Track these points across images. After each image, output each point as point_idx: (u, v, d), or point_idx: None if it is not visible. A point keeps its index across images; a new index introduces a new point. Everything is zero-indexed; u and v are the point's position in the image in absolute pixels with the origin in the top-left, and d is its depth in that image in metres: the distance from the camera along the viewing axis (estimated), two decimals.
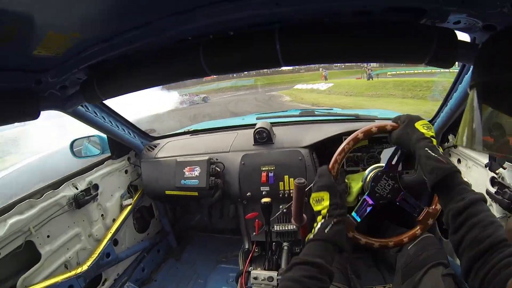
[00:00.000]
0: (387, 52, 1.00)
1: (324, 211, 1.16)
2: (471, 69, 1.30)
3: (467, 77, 1.43)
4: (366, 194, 1.43)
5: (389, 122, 1.30)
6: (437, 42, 0.94)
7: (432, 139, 1.13)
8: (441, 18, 0.93)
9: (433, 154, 1.07)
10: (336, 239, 1.09)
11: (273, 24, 1.01)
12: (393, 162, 1.38)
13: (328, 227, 1.10)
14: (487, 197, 1.42)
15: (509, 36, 0.62)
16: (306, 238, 1.16)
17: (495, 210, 1.46)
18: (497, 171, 1.46)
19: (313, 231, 1.14)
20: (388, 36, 0.97)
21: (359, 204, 1.42)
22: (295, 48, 1.02)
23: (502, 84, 0.58)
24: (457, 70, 1.57)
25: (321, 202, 1.19)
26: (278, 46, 1.00)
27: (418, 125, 1.18)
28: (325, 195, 1.19)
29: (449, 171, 1.02)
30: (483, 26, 0.91)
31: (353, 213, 1.40)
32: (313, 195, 1.23)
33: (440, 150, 1.11)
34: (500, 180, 1.45)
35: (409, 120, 1.21)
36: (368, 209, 1.41)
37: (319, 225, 1.14)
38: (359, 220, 1.40)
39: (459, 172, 1.04)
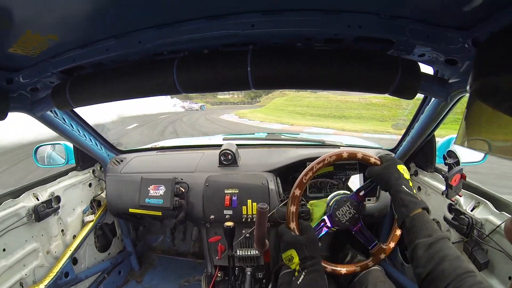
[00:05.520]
0: (355, 80, 1.08)
1: (297, 268, 1.28)
2: (431, 101, 1.47)
3: (428, 108, 1.57)
4: (326, 214, 1.52)
5: (374, 156, 1.44)
6: (401, 73, 1.04)
7: (409, 181, 1.31)
8: (407, 50, 1.05)
9: (409, 191, 1.24)
10: None
11: (247, 46, 1.09)
12: (361, 193, 1.50)
13: (300, 279, 1.22)
14: (444, 223, 1.61)
15: (508, 36, 0.64)
16: None
17: (453, 235, 1.61)
18: (453, 198, 1.61)
19: None
20: (356, 64, 1.06)
21: (317, 223, 1.50)
22: (266, 71, 1.08)
23: (502, 84, 0.60)
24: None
25: (292, 260, 1.31)
26: (249, 68, 1.06)
27: (400, 167, 1.35)
28: (293, 253, 1.31)
29: (422, 206, 1.18)
30: (445, 60, 1.03)
31: None
32: (283, 255, 1.34)
33: (415, 191, 1.27)
34: (457, 206, 1.60)
35: (393, 161, 1.38)
36: (324, 230, 1.49)
37: (293, 280, 1.26)
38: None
39: (428, 210, 1.21)
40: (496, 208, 1.41)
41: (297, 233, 1.38)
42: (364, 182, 1.55)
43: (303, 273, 1.23)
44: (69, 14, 0.86)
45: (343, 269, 1.52)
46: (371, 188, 1.49)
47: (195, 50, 1.14)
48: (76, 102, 1.33)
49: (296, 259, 1.29)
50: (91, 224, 2.38)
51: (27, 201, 1.86)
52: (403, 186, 1.26)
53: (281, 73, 1.08)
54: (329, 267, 1.50)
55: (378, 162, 1.42)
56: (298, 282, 1.21)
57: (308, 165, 1.52)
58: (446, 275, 0.96)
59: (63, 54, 1.14)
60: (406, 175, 1.33)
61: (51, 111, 1.71)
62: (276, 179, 2.25)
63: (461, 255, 1.03)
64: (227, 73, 1.10)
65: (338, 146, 2.63)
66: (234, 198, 2.13)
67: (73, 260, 2.23)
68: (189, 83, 1.15)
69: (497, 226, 1.34)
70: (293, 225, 1.39)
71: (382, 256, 1.48)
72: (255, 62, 1.07)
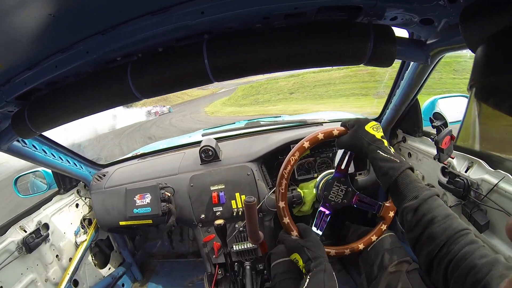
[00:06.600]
0: (325, 55, 1.00)
1: (304, 270, 1.33)
2: (410, 65, 1.44)
3: (407, 73, 1.54)
4: (320, 204, 1.54)
5: (336, 127, 1.39)
6: (374, 40, 0.96)
7: (383, 139, 1.25)
8: (377, 15, 0.97)
9: (386, 155, 1.19)
10: None
11: (202, 36, 1.00)
12: (342, 167, 1.49)
13: (306, 283, 1.22)
14: (440, 188, 1.59)
15: (510, 34, 0.62)
16: None
17: (449, 199, 1.59)
18: (446, 162, 1.59)
19: None
20: (325, 37, 0.97)
21: (316, 217, 1.52)
22: (224, 61, 1.00)
23: (503, 84, 0.58)
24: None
25: (298, 263, 1.36)
26: (206, 60, 0.98)
27: (368, 127, 1.28)
28: (296, 256, 1.36)
29: (402, 169, 1.13)
30: (420, 20, 0.97)
31: (313, 227, 1.51)
32: (291, 257, 1.41)
33: (392, 150, 1.23)
34: (450, 169, 1.59)
35: (359, 124, 1.30)
36: (327, 219, 1.51)
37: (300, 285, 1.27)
38: (321, 233, 1.50)
39: (411, 168, 1.17)
40: (490, 166, 1.40)
41: (297, 236, 1.44)
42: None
43: (308, 276, 1.25)
44: (7, 37, 0.81)
45: (360, 245, 1.58)
46: (350, 158, 1.47)
47: (148, 50, 1.07)
48: (38, 128, 1.25)
49: (301, 262, 1.33)
50: (85, 244, 2.37)
51: (15, 235, 1.83)
52: (378, 151, 1.21)
53: (241, 59, 1.01)
54: (333, 251, 1.56)
55: (343, 129, 1.37)
56: (304, 287, 1.23)
57: (292, 147, 1.52)
58: (437, 238, 0.95)
59: (12, 80, 1.08)
60: (378, 133, 1.27)
61: (17, 140, 1.62)
62: (261, 167, 2.26)
63: (452, 212, 1.01)
64: (184, 69, 1.03)
65: (321, 123, 2.61)
66: (221, 194, 2.13)
67: (74, 282, 2.22)
68: (145, 87, 1.07)
69: (494, 185, 1.32)
70: (294, 233, 1.45)
71: (391, 214, 1.50)
72: (212, 52, 0.99)
